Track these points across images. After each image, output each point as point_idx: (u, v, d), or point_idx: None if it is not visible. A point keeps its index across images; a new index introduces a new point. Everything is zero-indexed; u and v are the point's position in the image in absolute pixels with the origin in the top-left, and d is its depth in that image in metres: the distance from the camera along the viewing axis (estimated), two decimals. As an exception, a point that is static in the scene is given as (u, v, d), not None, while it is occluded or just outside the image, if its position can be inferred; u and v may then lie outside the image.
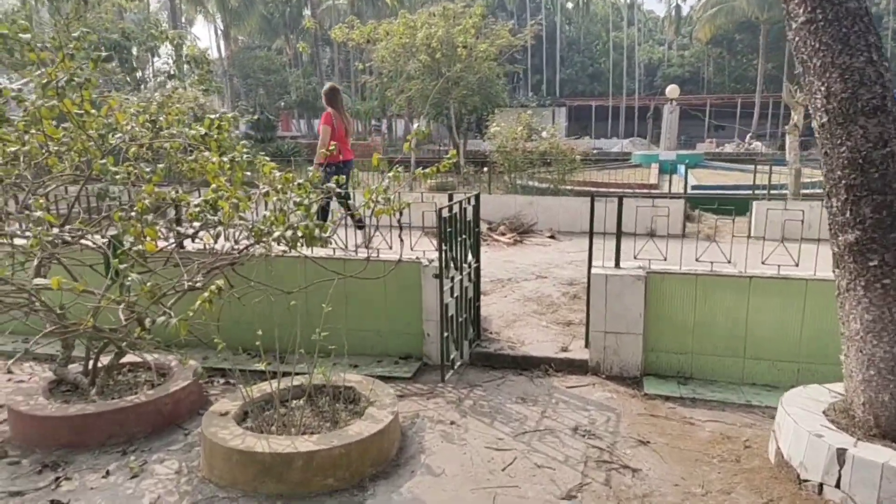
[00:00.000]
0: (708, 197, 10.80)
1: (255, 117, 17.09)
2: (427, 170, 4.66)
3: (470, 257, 4.81)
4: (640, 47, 47.71)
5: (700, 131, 37.76)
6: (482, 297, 6.13)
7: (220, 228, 3.98)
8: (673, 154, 14.97)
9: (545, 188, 10.45)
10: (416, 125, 19.32)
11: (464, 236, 4.65)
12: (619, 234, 4.62)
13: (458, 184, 13.63)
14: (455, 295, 4.47)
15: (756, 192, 9.42)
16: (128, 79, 13.65)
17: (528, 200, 9.74)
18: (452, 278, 4.44)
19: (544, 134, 10.98)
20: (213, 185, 3.89)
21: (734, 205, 7.27)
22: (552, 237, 9.16)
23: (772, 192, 9.34)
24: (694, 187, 9.76)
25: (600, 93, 45.10)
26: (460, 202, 4.59)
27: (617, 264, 4.63)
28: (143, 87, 13.16)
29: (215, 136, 3.99)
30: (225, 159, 4.06)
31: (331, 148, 5.57)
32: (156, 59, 14.38)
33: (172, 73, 14.51)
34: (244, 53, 33.87)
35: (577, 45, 48.10)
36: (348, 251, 5.05)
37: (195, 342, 4.12)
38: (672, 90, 15.97)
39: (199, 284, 3.77)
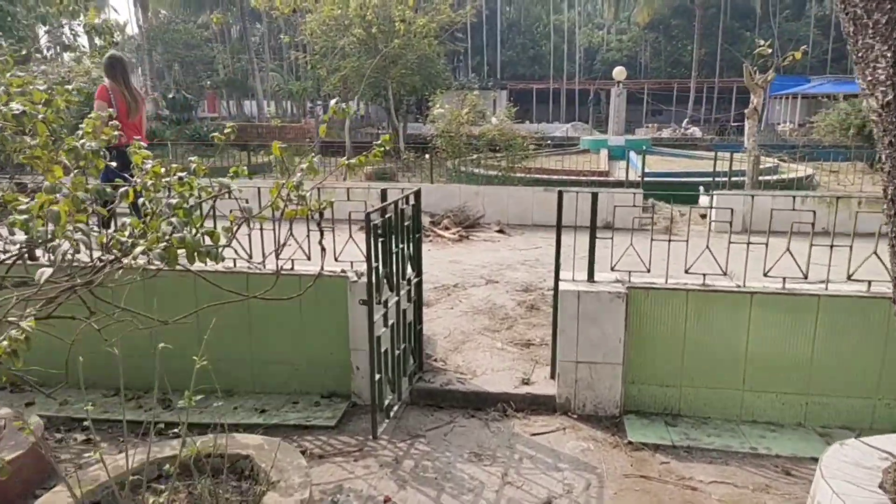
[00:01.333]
0: (675, 185, 10.22)
1: (170, 96, 15.44)
2: (354, 159, 3.66)
3: (410, 271, 3.83)
4: (580, 31, 47.48)
5: (639, 116, 37.84)
6: (425, 307, 5.20)
7: (58, 242, 2.87)
8: (622, 139, 14.37)
9: (492, 176, 9.57)
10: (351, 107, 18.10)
11: (401, 245, 3.66)
12: (594, 240, 3.74)
13: (397, 171, 12.59)
14: (391, 322, 3.49)
15: (713, 179, 8.83)
16: (10, 49, 11.84)
17: (475, 190, 8.82)
18: (387, 302, 3.45)
19: (494, 120, 10.06)
20: (48, 184, 2.78)
21: (691, 193, 6.56)
22: (501, 231, 8.29)
23: (732, 179, 8.75)
24: (646, 175, 9.06)
25: (541, 76, 44.63)
26: (396, 202, 3.59)
27: (590, 277, 3.76)
28: (30, 61, 11.40)
29: (41, 116, 2.84)
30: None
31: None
32: (47, 27, 12.53)
33: (68, 43, 12.76)
34: (164, 28, 31.41)
35: (517, 26, 47.39)
36: (253, 262, 3.98)
37: (54, 378, 3.05)
38: (619, 72, 15.33)
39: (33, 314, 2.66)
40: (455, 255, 7.12)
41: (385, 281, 3.39)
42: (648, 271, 3.69)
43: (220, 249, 3.19)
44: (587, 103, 38.88)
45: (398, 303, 3.54)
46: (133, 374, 3.27)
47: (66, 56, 12.68)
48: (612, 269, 3.75)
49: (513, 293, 5.71)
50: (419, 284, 3.95)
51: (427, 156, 9.60)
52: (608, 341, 3.61)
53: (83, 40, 14.46)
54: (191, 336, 3.93)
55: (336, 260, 3.97)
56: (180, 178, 3.38)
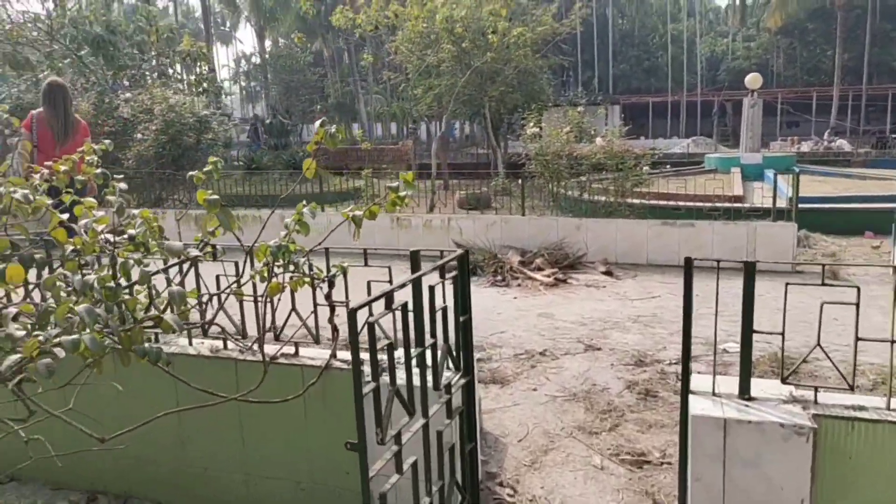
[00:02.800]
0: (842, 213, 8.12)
1: (268, 121, 15.26)
2: (361, 212, 2.57)
3: (451, 372, 2.55)
4: (701, 39, 44.30)
5: (772, 128, 34.21)
6: (496, 386, 3.91)
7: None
8: (758, 156, 12.27)
9: (598, 205, 8.09)
10: (444, 127, 17.20)
11: (433, 339, 2.38)
12: (749, 333, 2.30)
13: (491, 195, 11.38)
14: (408, 464, 2.22)
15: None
16: (117, 79, 11.97)
17: (576, 224, 7.40)
18: (399, 437, 2.15)
19: (599, 140, 8.57)
20: None
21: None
22: (608, 273, 6.81)
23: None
24: (801, 200, 7.21)
25: (657, 89, 41.97)
26: (417, 280, 2.30)
27: (745, 392, 2.31)
28: (129, 86, 11.42)
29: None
30: None
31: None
32: (151, 54, 12.64)
33: (165, 70, 12.80)
34: (275, 55, 32.50)
35: (630, 38, 45.01)
36: (243, 344, 2.90)
37: None
38: (753, 79, 13.24)
39: None
40: (547, 306, 5.76)
41: (399, 400, 2.14)
42: (851, 389, 2.19)
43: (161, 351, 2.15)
44: (711, 116, 35.74)
45: (427, 426, 2.27)
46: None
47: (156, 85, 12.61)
48: (785, 380, 2.28)
49: (620, 368, 4.27)
50: (469, 387, 2.65)
51: (520, 181, 8.31)
52: (780, 499, 2.16)
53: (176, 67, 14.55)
54: (170, 434, 2.91)
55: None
56: (132, 239, 2.41)
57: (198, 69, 13.18)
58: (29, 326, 1.99)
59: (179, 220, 8.83)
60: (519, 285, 6.41)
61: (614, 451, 3.24)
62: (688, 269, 2.37)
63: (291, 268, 2.54)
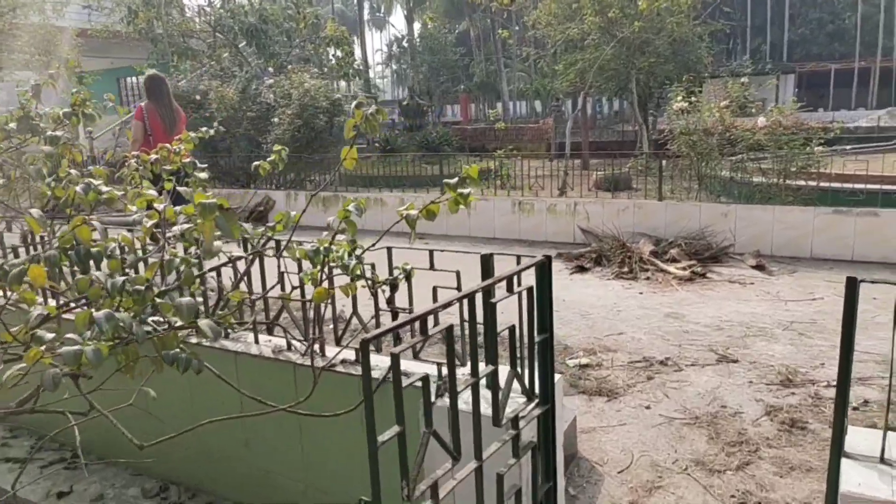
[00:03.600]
0: None
1: (405, 103, 15.38)
2: (432, 203, 2.19)
3: (524, 401, 2.10)
4: (903, -6, 38.02)
5: None
6: (602, 399, 3.43)
7: None
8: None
9: (755, 188, 6.99)
10: (582, 103, 16.26)
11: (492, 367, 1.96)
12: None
13: (632, 176, 10.50)
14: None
15: None
16: (268, 66, 12.63)
17: (722, 210, 6.46)
18: (436, 490, 1.77)
19: (762, 119, 7.34)
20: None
21: None
22: (759, 267, 5.86)
23: None
24: None
25: (843, 55, 36.81)
26: (475, 296, 1.90)
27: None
28: (281, 73, 11.98)
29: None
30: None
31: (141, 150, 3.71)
32: (297, 41, 13.18)
33: (308, 56, 13.27)
34: (420, 37, 32.96)
35: (811, -1, 39.79)
36: (303, 345, 2.68)
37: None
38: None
39: None
40: (678, 304, 5.03)
41: (438, 442, 1.75)
42: None
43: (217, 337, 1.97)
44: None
45: (480, 470, 1.86)
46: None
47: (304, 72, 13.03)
48: None
49: (760, 387, 3.54)
50: (547, 417, 2.19)
51: (664, 162, 7.45)
52: None
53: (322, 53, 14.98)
54: (235, 432, 2.80)
55: (417, 357, 2.47)
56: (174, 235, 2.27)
57: (339, 53, 13.53)
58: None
59: (309, 202, 9.05)
60: (648, 279, 5.71)
61: (740, 498, 2.62)
62: (851, 289, 1.73)
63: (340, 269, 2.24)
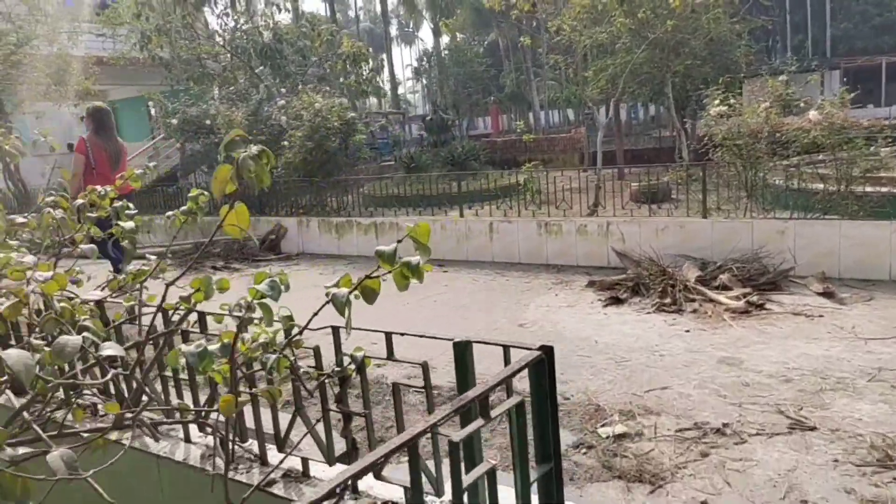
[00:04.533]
0: None
1: (428, 118, 14.82)
2: (371, 279, 1.50)
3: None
4: (956, -19, 36.00)
5: None
6: (641, 486, 2.69)
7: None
8: None
9: (813, 196, 6.12)
10: (613, 111, 15.45)
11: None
12: None
13: (671, 186, 9.65)
14: None
15: None
16: (282, 87, 12.24)
17: (779, 227, 5.62)
18: None
19: (812, 114, 6.44)
20: None
21: None
22: (827, 294, 5.01)
23: None
24: None
25: (891, 47, 34.93)
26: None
27: None
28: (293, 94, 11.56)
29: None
30: None
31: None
32: (313, 59, 12.77)
33: (324, 74, 12.84)
34: (446, 49, 32.55)
35: (855, -9, 37.99)
36: (241, 450, 2.04)
37: None
38: None
39: None
40: (733, 345, 4.24)
41: None
42: None
43: None
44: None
45: None
46: None
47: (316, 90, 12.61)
48: None
49: (848, 468, 2.75)
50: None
51: (701, 172, 6.63)
52: None
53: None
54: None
55: (377, 477, 1.79)
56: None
57: (359, 70, 13.07)
58: None
59: (319, 228, 8.49)
60: (695, 311, 4.92)
61: None
62: None
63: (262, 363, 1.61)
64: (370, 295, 1.43)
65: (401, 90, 60.22)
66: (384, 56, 49.64)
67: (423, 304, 5.70)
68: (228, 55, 12.75)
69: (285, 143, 8.72)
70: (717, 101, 7.41)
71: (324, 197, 8.96)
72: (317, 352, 1.84)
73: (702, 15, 11.35)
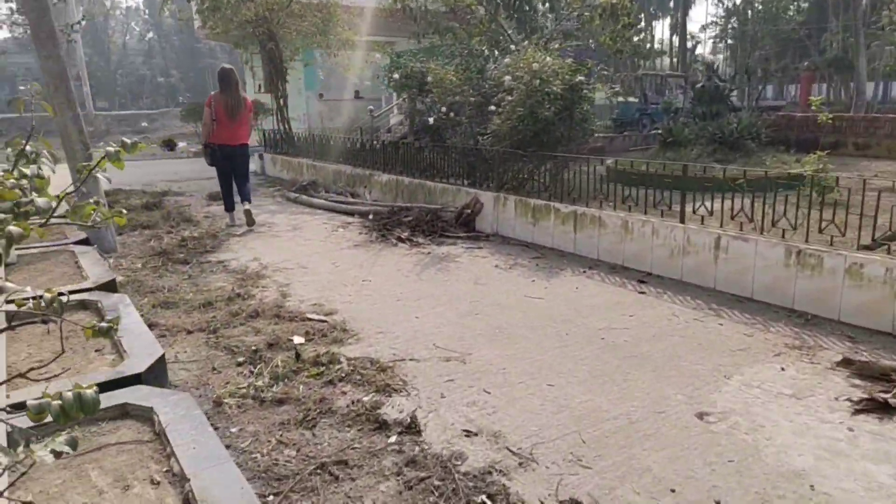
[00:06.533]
0: None
1: (699, 85, 12.36)
2: None
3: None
4: None
5: None
6: None
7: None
8: None
9: None
10: None
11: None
12: None
13: None
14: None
15: None
16: (526, 41, 11.14)
17: None
18: None
19: None
20: None
21: None
22: None
23: None
24: None
25: None
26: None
27: None
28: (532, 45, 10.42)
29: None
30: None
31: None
32: (563, 12, 11.36)
33: (570, 29, 11.30)
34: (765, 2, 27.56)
35: None
36: None
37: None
38: None
39: None
40: None
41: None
42: None
43: None
44: None
45: None
46: None
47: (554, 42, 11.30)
48: None
49: None
50: None
51: None
52: None
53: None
54: None
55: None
56: None
57: (618, 26, 11.30)
58: None
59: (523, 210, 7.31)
60: None
61: None
62: None
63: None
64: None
65: (700, 50, 54.10)
66: (678, 13, 44.74)
67: (591, 342, 4.30)
68: (481, 7, 11.97)
69: (491, 107, 7.67)
70: None
71: (528, 172, 7.75)
72: None
73: None
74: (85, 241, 6.76)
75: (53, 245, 6.44)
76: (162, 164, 17.18)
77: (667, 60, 50.46)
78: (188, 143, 21.96)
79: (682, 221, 5.76)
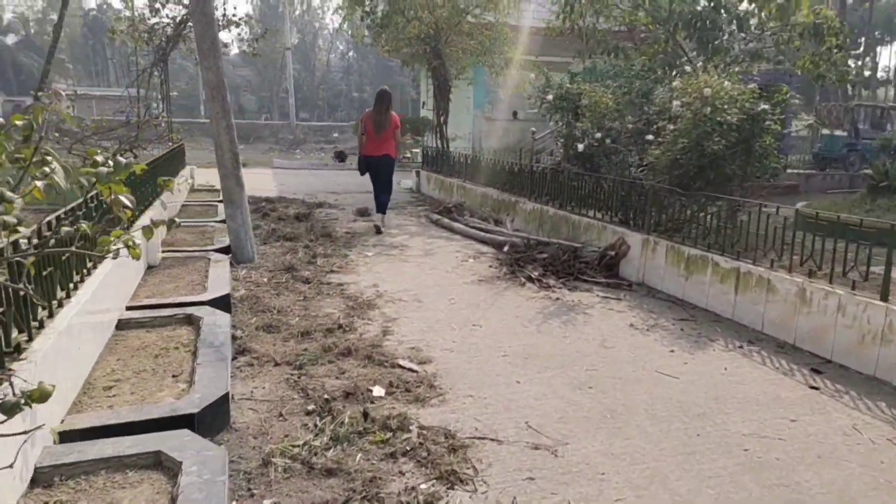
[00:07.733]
0: None
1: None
2: None
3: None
4: None
5: None
6: None
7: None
8: None
9: None
10: None
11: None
12: None
13: None
14: None
15: None
16: (709, 63, 9.89)
17: None
18: None
19: None
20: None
21: None
22: None
23: None
24: None
25: None
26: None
27: None
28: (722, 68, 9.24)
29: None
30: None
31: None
32: (755, 32, 9.92)
33: (760, 50, 9.79)
34: None
35: None
36: None
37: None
38: None
39: None
40: None
41: None
42: None
43: None
44: None
45: None
46: None
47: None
48: None
49: None
50: None
51: None
52: None
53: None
54: None
55: None
56: None
57: (824, 49, 9.63)
58: None
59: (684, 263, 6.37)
60: None
61: None
62: None
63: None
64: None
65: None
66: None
67: (729, 454, 3.34)
68: (659, 26, 10.91)
69: (649, 136, 6.72)
70: None
71: (688, 214, 6.68)
72: None
73: None
74: (226, 249, 6.99)
75: (198, 251, 6.73)
76: (331, 175, 18.11)
77: (892, 91, 43.73)
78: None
79: (885, 298, 4.43)
